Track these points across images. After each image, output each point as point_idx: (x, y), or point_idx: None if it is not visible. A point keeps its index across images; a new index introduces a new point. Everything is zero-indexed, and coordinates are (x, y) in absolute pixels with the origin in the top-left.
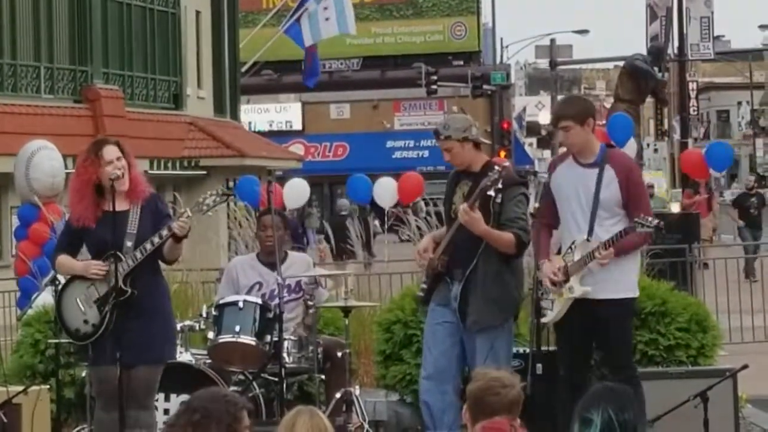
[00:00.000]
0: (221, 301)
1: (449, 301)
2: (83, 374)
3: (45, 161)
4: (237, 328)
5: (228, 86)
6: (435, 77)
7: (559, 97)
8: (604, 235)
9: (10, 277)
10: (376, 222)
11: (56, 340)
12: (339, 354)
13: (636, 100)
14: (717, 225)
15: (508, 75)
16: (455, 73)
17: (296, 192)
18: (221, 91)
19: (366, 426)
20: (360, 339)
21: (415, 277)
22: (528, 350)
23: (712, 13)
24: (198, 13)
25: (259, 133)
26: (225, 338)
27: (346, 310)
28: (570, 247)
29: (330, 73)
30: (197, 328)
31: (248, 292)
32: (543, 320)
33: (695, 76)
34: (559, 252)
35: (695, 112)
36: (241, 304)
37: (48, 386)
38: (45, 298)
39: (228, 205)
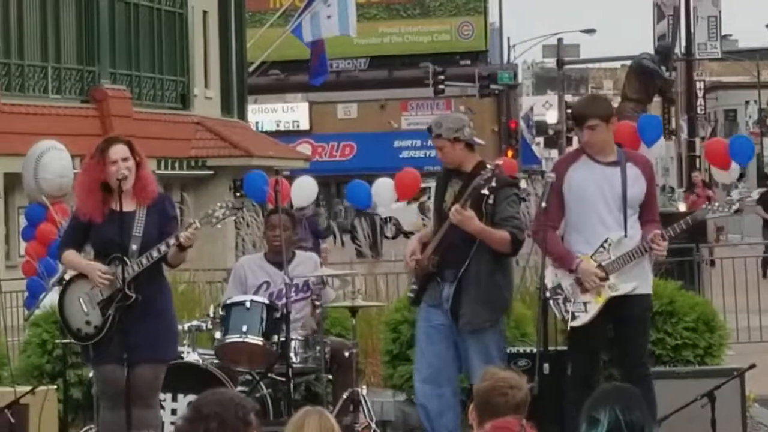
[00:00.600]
0: (228, 301)
1: (440, 301)
2: (90, 374)
3: (54, 161)
4: (244, 328)
5: (235, 86)
6: (442, 77)
7: (567, 97)
8: (632, 231)
9: (19, 277)
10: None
11: (64, 341)
12: (346, 354)
13: (643, 100)
14: (720, 223)
15: (515, 74)
16: (462, 73)
17: (305, 190)
18: (228, 91)
19: (373, 426)
20: (367, 339)
21: None
22: (535, 350)
23: (720, 12)
24: (205, 13)
25: (267, 133)
26: (232, 338)
27: (354, 310)
28: (603, 246)
29: (337, 72)
30: (204, 328)
31: (256, 292)
32: (573, 324)
33: (702, 76)
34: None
35: (702, 112)
36: (248, 304)
37: (55, 386)
38: (52, 299)
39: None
